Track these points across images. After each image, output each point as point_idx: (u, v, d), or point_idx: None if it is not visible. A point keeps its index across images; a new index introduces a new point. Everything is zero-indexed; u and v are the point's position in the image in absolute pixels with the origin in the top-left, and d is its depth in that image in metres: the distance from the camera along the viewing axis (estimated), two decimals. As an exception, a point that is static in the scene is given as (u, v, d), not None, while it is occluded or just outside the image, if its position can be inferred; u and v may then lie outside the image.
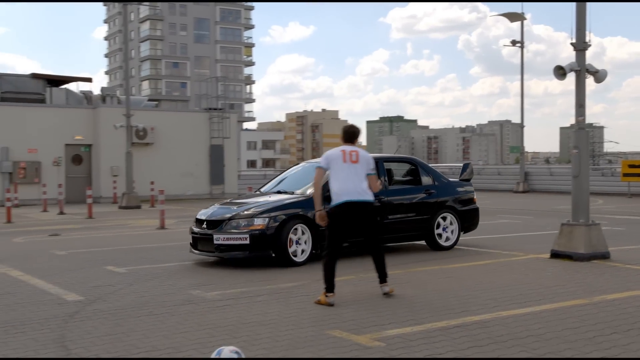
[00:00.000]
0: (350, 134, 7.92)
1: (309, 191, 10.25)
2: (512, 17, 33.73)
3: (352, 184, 7.53)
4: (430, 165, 13.13)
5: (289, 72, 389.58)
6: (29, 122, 27.89)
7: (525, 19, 33.74)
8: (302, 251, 10.10)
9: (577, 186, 10.76)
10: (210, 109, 32.91)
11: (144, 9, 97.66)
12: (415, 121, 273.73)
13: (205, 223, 10.38)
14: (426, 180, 11.97)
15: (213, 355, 4.78)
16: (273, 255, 9.86)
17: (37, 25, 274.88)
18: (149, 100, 40.66)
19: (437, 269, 9.75)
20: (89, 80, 33.67)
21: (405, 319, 6.59)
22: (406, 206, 11.51)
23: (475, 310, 6.98)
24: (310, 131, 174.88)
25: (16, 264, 10.57)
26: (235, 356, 4.74)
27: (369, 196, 7.63)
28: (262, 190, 11.87)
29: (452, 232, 11.88)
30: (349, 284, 8.52)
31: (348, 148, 7.78)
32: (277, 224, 9.85)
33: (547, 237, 12.75)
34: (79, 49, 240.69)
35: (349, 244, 9.78)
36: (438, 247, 11.66)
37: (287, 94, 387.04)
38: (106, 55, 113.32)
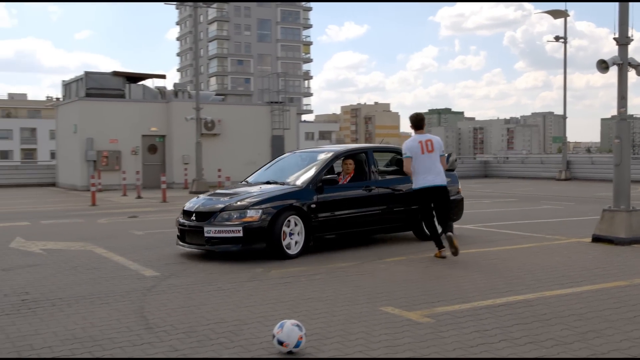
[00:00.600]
0: (418, 122, 9.15)
1: (300, 181, 9.57)
2: (556, 14, 32.84)
3: (432, 172, 8.92)
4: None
5: (344, 68, 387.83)
6: (110, 115, 28.49)
7: (568, 15, 32.82)
8: (296, 243, 9.12)
9: (619, 174, 10.48)
10: (271, 102, 33.07)
11: (212, 12, 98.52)
12: (462, 113, 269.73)
13: (194, 215, 9.29)
14: None
15: (276, 328, 4.83)
16: (265, 247, 8.89)
17: (118, 28, 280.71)
18: (216, 94, 40.98)
19: (482, 251, 9.62)
20: (163, 77, 34.18)
21: (453, 297, 6.53)
22: (395, 196, 10.40)
23: (519, 290, 6.87)
24: (364, 123, 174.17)
25: (100, 243, 10.84)
26: (296, 328, 4.78)
27: (443, 181, 9.03)
28: (249, 180, 10.68)
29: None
30: (401, 264, 8.48)
31: (423, 138, 9.03)
32: (271, 215, 8.84)
33: (588, 223, 12.45)
34: (154, 49, 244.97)
35: (335, 235, 9.68)
36: (426, 237, 10.22)
37: (342, 88, 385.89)
38: (178, 54, 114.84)
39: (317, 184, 9.42)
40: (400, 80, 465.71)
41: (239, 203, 9.10)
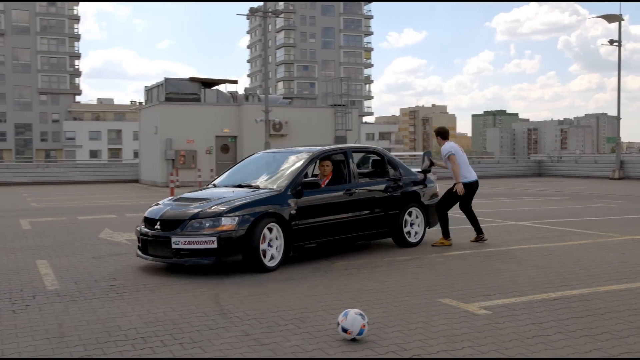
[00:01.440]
0: (446, 133, 9.94)
1: (278, 185, 8.11)
2: (611, 18, 31.73)
3: (471, 168, 9.76)
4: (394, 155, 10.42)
5: (403, 73, 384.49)
6: (187, 118, 29.10)
7: (622, 19, 31.68)
8: (276, 252, 7.68)
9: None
10: (335, 105, 33.10)
11: (280, 21, 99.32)
12: (516, 114, 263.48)
13: (158, 223, 7.65)
14: (393, 172, 9.58)
15: (340, 316, 4.83)
16: (242, 259, 7.40)
17: (195, 37, 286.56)
18: (284, 98, 41.31)
19: (537, 247, 9.39)
20: (234, 82, 34.64)
21: (509, 291, 6.40)
22: (377, 200, 9.09)
23: (574, 284, 6.68)
24: (421, 124, 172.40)
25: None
26: (359, 317, 4.78)
27: None
28: (216, 183, 9.07)
29: (419, 226, 9.57)
30: (458, 258, 8.36)
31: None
32: (249, 223, 7.34)
33: (642, 220, 11.98)
34: (227, 57, 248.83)
35: (316, 244, 8.25)
36: (406, 244, 9.33)
37: (401, 91, 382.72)
38: (248, 61, 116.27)
39: (297, 187, 8.05)
40: (457, 84, 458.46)
41: (212, 209, 7.50)
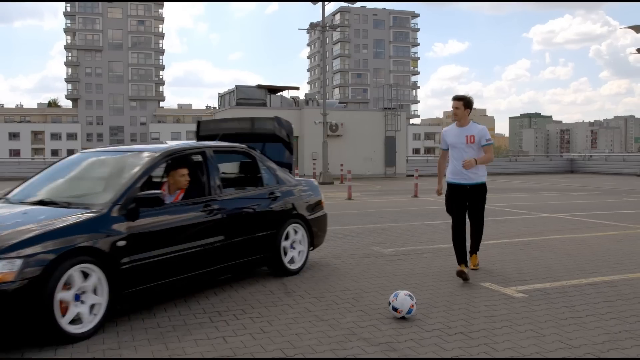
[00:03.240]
0: (471, 103, 6.23)
1: (100, 201, 4.75)
2: (639, 29, 30.38)
3: None
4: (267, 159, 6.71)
5: (447, 79, 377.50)
6: (255, 120, 29.40)
7: (652, 28, 30.25)
8: (91, 310, 4.37)
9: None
10: (385, 108, 32.87)
11: (336, 34, 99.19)
12: (550, 117, 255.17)
13: None
14: (268, 179, 6.48)
15: (391, 297, 4.80)
16: (29, 327, 3.99)
17: (262, 50, 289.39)
18: (340, 102, 41.27)
19: (570, 237, 9.09)
20: (296, 88, 34.83)
21: (544, 276, 6.23)
22: (245, 219, 5.90)
23: (604, 272, 6.45)
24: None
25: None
26: (408, 298, 4.75)
27: None
28: (10, 196, 5.38)
29: (301, 248, 6.56)
30: (496, 247, 8.19)
31: None
32: (41, 268, 4.01)
33: (670, 214, 11.44)
34: (289, 66, 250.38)
35: (159, 287, 4.98)
36: (285, 272, 6.31)
37: (445, 96, 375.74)
38: (308, 70, 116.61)
39: (128, 205, 4.73)
40: (496, 89, 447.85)
41: None
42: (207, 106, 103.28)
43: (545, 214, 12.41)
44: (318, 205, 7.06)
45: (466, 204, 6.10)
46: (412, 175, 20.19)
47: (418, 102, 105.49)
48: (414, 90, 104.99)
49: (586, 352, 3.95)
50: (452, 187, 6.14)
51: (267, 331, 4.46)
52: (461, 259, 6.07)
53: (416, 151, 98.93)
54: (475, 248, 6.50)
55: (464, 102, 6.08)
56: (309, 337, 4.30)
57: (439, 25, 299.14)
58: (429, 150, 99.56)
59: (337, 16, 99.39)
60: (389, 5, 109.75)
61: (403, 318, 4.70)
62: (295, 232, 6.52)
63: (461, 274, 5.95)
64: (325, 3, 27.28)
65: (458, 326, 4.54)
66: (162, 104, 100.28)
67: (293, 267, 6.45)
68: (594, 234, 9.46)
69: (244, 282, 6.10)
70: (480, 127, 6.13)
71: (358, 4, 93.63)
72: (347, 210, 13.51)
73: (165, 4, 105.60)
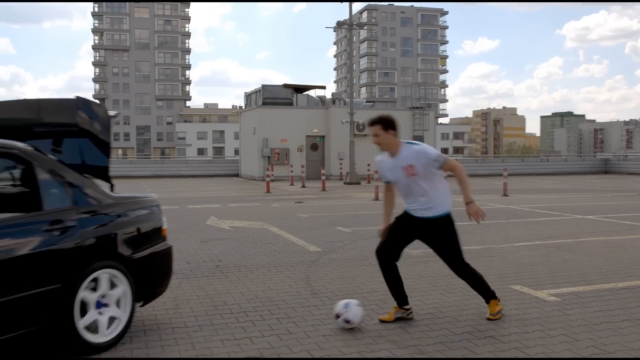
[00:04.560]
0: (392, 123, 4.75)
1: None
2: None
3: None
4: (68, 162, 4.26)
5: (477, 77, 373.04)
6: (281, 119, 29.53)
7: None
8: None
9: None
10: (413, 107, 32.69)
11: (363, 32, 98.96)
12: (583, 116, 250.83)
13: None
14: (55, 197, 3.95)
15: (341, 309, 4.51)
16: None
17: (288, 49, 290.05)
18: (367, 101, 41.17)
19: (604, 239, 8.91)
20: (323, 87, 34.79)
21: (577, 280, 6.12)
22: (10, 267, 3.47)
23: (641, 276, 6.31)
24: (493, 125, 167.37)
25: (274, 222, 11.26)
26: (360, 308, 4.55)
27: None
28: None
29: (115, 313, 4.14)
30: (528, 249, 8.08)
31: None
32: None
33: None
34: (316, 65, 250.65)
35: None
36: (83, 347, 3.86)
37: (474, 95, 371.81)
38: (335, 69, 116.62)
39: None
40: (528, 87, 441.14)
41: None
42: (233, 105, 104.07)
43: (578, 215, 12.20)
44: (155, 235, 4.58)
45: (419, 240, 4.74)
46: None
47: (446, 100, 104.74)
48: (443, 89, 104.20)
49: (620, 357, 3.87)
50: (406, 215, 4.73)
51: (294, 332, 4.47)
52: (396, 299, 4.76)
53: (444, 151, 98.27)
54: (485, 296, 4.76)
55: (382, 125, 4.60)
56: (335, 339, 4.30)
57: (469, 22, 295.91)
58: (457, 150, 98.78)
59: (364, 14, 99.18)
60: (417, 3, 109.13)
61: (353, 328, 4.52)
62: (112, 284, 4.11)
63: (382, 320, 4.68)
64: (352, 2, 27.24)
65: (488, 330, 4.49)
66: (188, 103, 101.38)
67: (98, 340, 3.96)
68: (629, 236, 9.26)
69: (270, 282, 6.13)
70: (416, 149, 4.53)
71: (385, 2, 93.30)
72: (375, 211, 13.49)
73: (192, 3, 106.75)
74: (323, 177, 21.90)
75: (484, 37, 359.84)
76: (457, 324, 4.63)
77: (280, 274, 6.56)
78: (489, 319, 4.69)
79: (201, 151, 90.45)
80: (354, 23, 30.09)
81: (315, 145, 30.29)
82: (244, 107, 36.39)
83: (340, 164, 29.06)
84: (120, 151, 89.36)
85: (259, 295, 5.59)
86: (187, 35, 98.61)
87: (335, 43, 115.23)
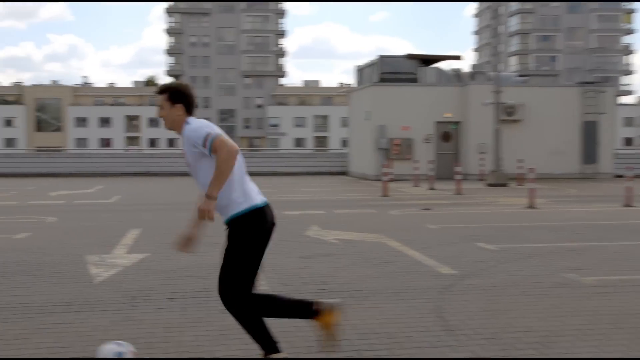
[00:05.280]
0: (184, 95, 4.62)
1: None
2: None
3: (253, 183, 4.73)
4: None
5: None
6: (402, 101, 29.48)
7: None
8: None
9: None
10: (582, 83, 31.53)
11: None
12: None
13: None
14: None
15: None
16: None
17: (412, 7, 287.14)
18: (519, 76, 40.21)
19: None
20: (458, 58, 34.36)
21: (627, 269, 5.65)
22: None
23: None
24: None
25: (393, 235, 11.26)
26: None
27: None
28: None
29: None
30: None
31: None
32: None
33: None
34: (449, 28, 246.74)
35: None
36: None
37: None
38: (475, 33, 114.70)
39: None
40: None
41: None
42: (339, 83, 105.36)
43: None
44: None
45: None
46: (623, 176, 19.35)
47: (632, 72, 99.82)
48: (626, 57, 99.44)
49: None
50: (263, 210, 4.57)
51: (423, 380, 4.47)
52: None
53: (628, 142, 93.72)
54: (262, 346, 4.65)
55: (168, 95, 4.57)
56: (479, 392, 4.25)
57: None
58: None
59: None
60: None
61: None
62: None
63: None
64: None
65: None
66: (282, 81, 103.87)
67: None
68: None
69: (391, 313, 6.15)
70: (185, 132, 4.48)
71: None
72: (529, 223, 13.21)
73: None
74: (458, 177, 21.65)
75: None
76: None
77: (403, 303, 6.56)
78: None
79: (299, 142, 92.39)
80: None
81: (448, 134, 29.99)
82: (354, 85, 36.71)
83: (481, 159, 28.54)
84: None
85: (375, 329, 5.64)
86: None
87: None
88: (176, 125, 4.58)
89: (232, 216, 4.47)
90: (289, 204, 17.50)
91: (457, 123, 29.97)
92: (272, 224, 4.62)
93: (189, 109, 4.58)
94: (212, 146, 4.30)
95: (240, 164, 4.50)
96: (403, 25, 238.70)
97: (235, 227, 4.47)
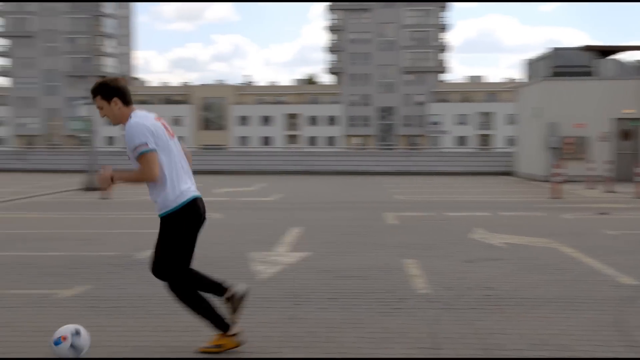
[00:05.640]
0: (118, 90, 4.96)
1: None
2: None
3: (190, 175, 5.14)
4: None
5: None
6: (576, 96, 28.34)
7: None
8: None
9: None
10: None
11: None
12: None
13: None
14: None
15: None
16: None
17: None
18: None
19: None
20: (640, 48, 32.61)
21: None
22: None
23: None
24: None
25: (566, 241, 10.86)
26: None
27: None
28: None
29: None
30: None
31: (153, 115, 5.11)
32: None
33: None
34: (632, 15, 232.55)
35: None
36: None
37: None
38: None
39: None
40: None
41: None
42: (504, 78, 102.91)
43: None
44: None
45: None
46: None
47: None
48: None
49: None
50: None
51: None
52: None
53: None
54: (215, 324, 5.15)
55: (101, 94, 4.91)
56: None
57: None
58: None
59: None
60: None
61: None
62: None
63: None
64: None
65: None
66: (445, 76, 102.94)
67: None
68: None
69: (564, 324, 5.93)
70: (130, 130, 4.80)
71: None
72: None
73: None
74: (638, 179, 20.52)
75: None
76: None
77: (578, 313, 6.33)
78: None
79: (461, 140, 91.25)
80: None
81: (628, 132, 28.52)
82: (523, 80, 35.74)
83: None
84: (354, 140, 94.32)
85: (547, 341, 5.46)
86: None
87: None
88: (120, 119, 4.97)
89: (163, 214, 4.95)
90: (451, 205, 17.34)
91: (637, 119, 28.43)
92: (202, 217, 5.08)
93: (125, 99, 4.94)
94: (137, 158, 4.81)
95: (175, 161, 4.97)
96: (577, 15, 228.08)
97: (167, 222, 4.96)
